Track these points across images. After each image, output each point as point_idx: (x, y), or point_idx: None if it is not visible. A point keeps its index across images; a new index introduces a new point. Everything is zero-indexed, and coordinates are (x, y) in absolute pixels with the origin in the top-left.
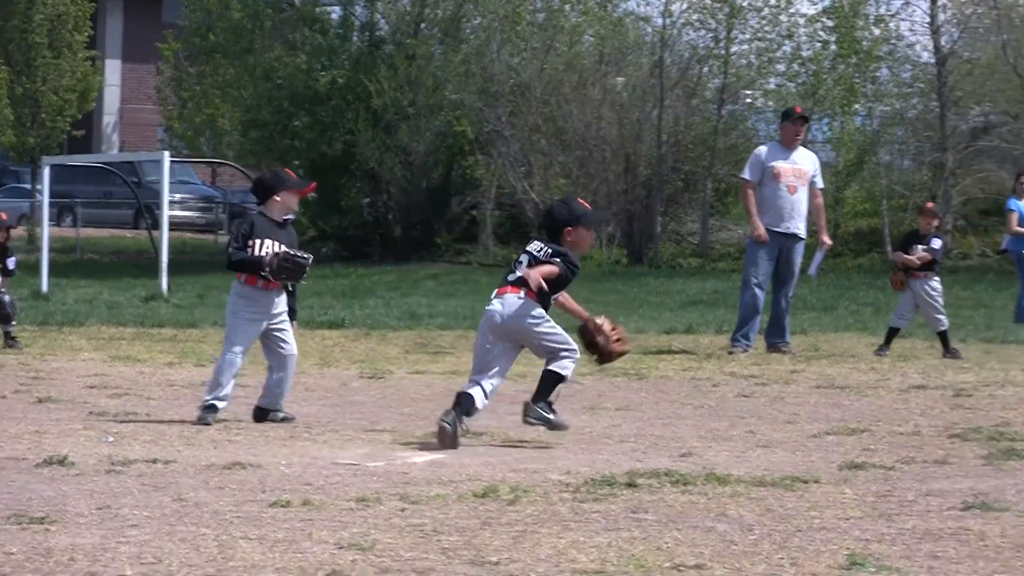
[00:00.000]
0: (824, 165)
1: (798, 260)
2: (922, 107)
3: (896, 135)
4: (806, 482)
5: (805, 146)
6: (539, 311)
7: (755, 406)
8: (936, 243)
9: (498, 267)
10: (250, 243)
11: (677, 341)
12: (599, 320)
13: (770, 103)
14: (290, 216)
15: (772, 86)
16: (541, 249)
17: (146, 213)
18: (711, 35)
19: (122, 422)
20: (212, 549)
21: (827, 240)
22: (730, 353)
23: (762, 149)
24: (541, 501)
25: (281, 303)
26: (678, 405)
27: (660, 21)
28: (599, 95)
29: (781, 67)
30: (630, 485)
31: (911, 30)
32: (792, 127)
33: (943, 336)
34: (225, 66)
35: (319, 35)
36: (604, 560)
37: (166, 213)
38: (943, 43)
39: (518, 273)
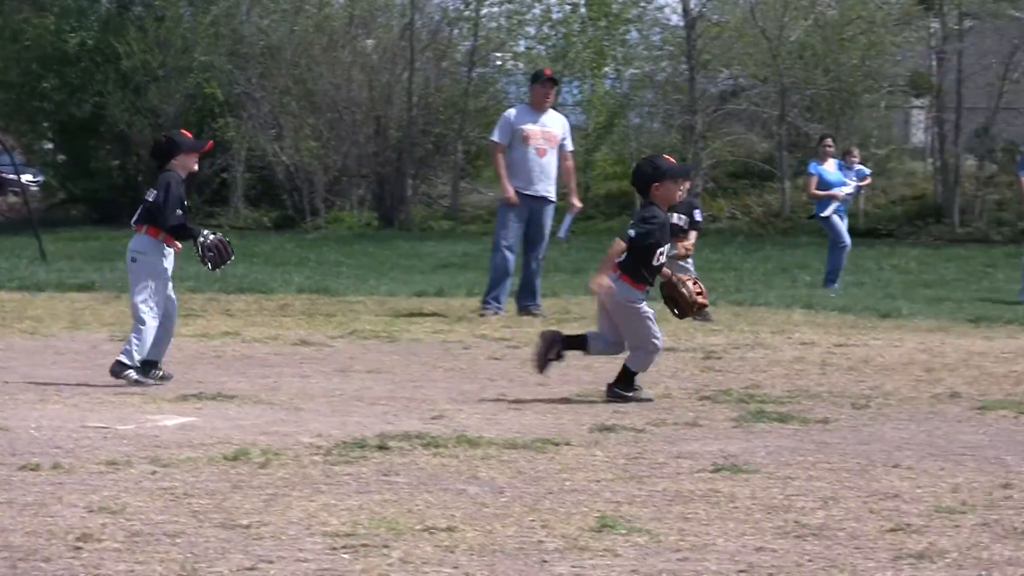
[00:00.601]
0: (574, 128)
1: (548, 223)
2: (671, 70)
3: (646, 98)
4: (557, 444)
5: (555, 109)
6: (635, 294)
7: (506, 368)
8: (699, 215)
9: (249, 229)
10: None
11: (428, 304)
12: (683, 277)
13: (520, 66)
14: None
15: (522, 49)
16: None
17: None
18: None
19: None
20: None
21: (577, 203)
22: (481, 316)
23: (511, 112)
24: (292, 464)
25: None
26: (429, 368)
27: None
28: (349, 57)
29: (531, 30)
30: (381, 448)
31: None
32: (541, 90)
33: None
34: None
35: None
36: (355, 523)
37: None
38: (692, 6)
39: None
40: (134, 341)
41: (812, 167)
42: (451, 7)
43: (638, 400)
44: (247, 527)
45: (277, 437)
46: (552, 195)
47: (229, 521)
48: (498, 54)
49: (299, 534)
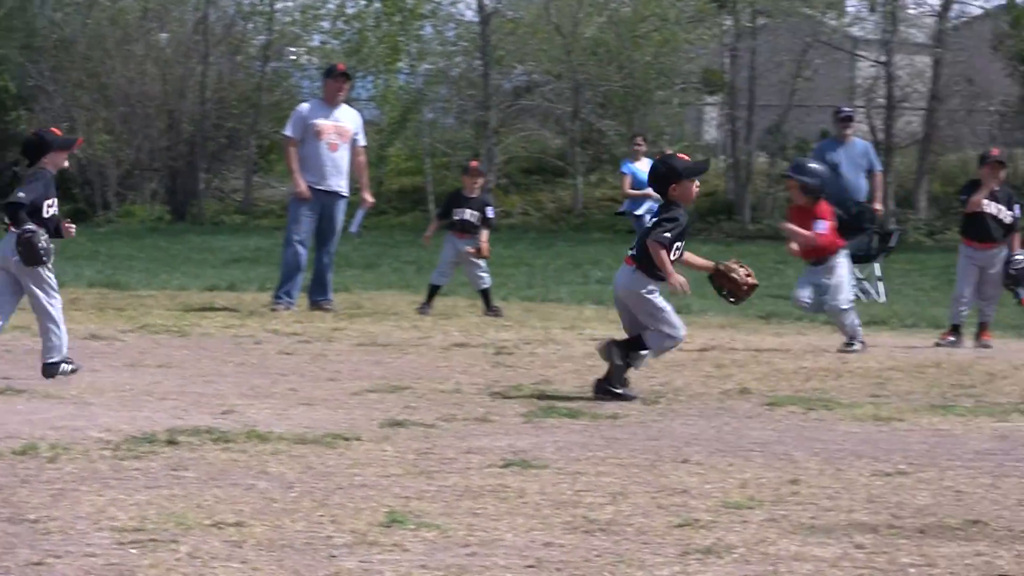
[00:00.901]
0: (368, 123)
1: (340, 217)
2: (466, 65)
3: (440, 93)
4: (347, 439)
5: (348, 104)
6: (651, 285)
7: (297, 363)
8: (492, 212)
9: None
10: (48, 201)
11: (220, 298)
12: (729, 263)
13: (314, 60)
14: None
15: (316, 43)
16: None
17: None
18: None
19: None
20: None
21: (369, 198)
22: (273, 310)
23: (304, 106)
24: (81, 459)
25: None
26: (220, 362)
27: None
28: (143, 51)
29: (326, 24)
30: (171, 443)
31: None
32: (334, 84)
33: (485, 294)
34: None
35: None
36: (144, 518)
37: None
38: (487, 1)
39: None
40: (52, 336)
41: (625, 166)
42: (245, 1)
43: (625, 398)
44: (35, 522)
45: (66, 432)
46: (344, 190)
47: (16, 516)
48: (292, 49)
49: (87, 529)
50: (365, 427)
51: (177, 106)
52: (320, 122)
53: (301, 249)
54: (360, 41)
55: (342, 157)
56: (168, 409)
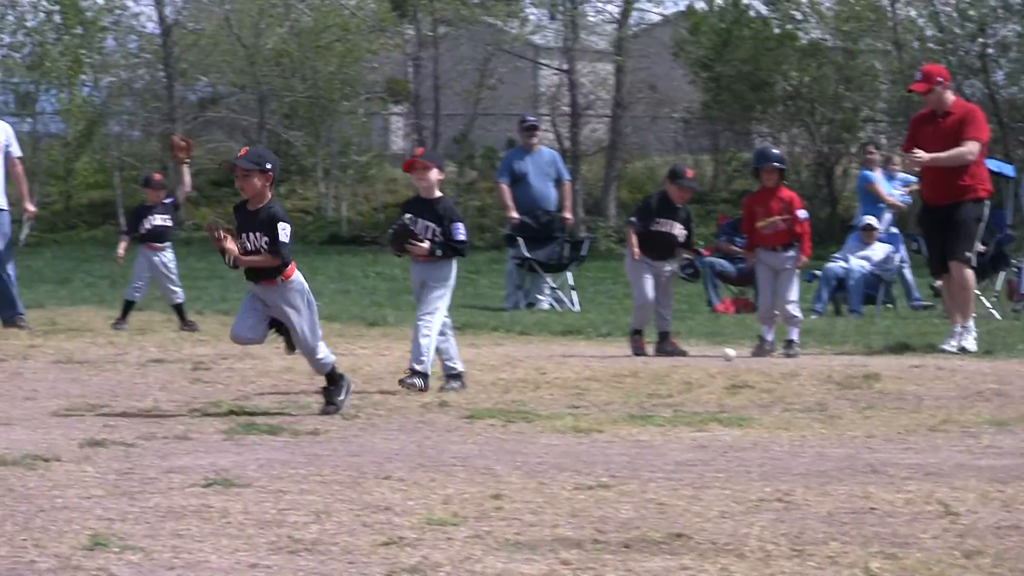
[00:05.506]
0: (54, 136)
1: (7, 231)
2: (149, 77)
3: (124, 106)
4: (47, 460)
5: (32, 117)
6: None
7: None
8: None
9: None
10: None
11: None
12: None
13: None
14: None
15: None
16: None
17: None
18: None
19: None
20: None
21: (31, 208)
22: None
23: None
24: None
25: None
26: None
27: None
28: None
29: (6, 37)
30: None
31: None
32: None
33: (179, 308)
34: None
35: None
36: None
37: None
38: (168, 13)
39: None
40: None
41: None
42: None
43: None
44: None
45: None
46: (4, 203)
47: None
48: None
49: None
50: (65, 447)
51: None
52: None
53: None
54: (41, 54)
55: None
56: None
